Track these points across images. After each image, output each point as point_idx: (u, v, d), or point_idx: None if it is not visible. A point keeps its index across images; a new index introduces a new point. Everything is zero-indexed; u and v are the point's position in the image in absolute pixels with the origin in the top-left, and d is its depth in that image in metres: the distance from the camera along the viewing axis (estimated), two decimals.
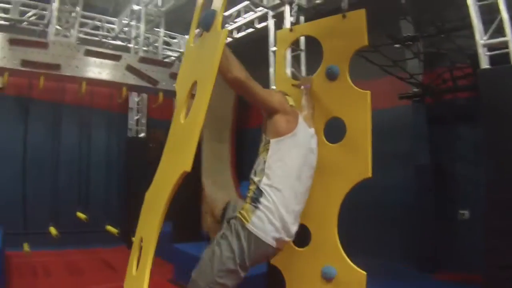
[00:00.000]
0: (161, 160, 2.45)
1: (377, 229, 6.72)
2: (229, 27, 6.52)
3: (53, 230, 6.00)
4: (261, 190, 2.21)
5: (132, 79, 5.46)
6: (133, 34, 6.69)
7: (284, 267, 3.20)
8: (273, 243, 2.14)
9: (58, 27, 5.50)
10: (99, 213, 7.02)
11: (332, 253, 2.95)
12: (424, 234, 5.86)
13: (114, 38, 7.23)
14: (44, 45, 5.02)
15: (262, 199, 2.17)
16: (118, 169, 8.42)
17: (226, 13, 6.54)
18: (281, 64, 3.81)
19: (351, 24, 3.23)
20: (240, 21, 6.33)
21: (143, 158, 8.23)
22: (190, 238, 6.32)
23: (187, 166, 1.88)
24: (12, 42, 4.83)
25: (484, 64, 4.03)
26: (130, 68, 5.31)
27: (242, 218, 2.15)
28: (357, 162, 3.04)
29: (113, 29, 7.31)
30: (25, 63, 4.84)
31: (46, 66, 4.96)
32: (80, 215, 6.63)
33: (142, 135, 8.52)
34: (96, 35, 7.21)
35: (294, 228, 2.30)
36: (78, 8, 5.74)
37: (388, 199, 6.52)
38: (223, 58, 2.02)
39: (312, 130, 2.62)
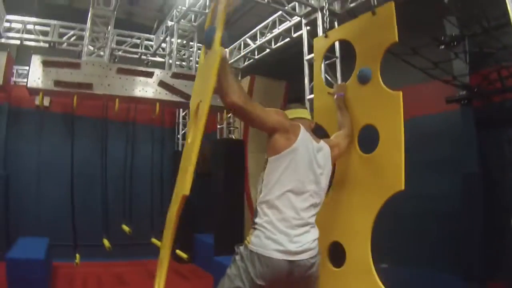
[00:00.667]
0: (176, 179, 2.41)
1: (422, 239, 6.36)
2: (265, 38, 6.45)
3: (106, 243, 6.21)
4: (257, 210, 2.24)
5: (164, 95, 5.49)
6: (168, 50, 6.71)
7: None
8: (278, 256, 2.08)
9: (91, 47, 5.51)
10: (145, 225, 7.18)
11: (366, 276, 2.77)
12: (472, 244, 5.46)
13: (153, 55, 7.30)
14: (76, 65, 5.20)
15: (257, 220, 2.20)
16: (165, 183, 8.38)
17: (262, 24, 6.47)
18: (318, 74, 3.74)
19: (380, 20, 3.09)
20: (275, 31, 6.26)
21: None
22: (232, 251, 6.12)
23: (186, 191, 1.90)
24: (46, 63, 5.06)
25: None
26: (162, 84, 5.36)
27: (245, 242, 2.20)
28: (389, 173, 2.84)
29: (152, 46, 7.37)
30: (57, 83, 5.04)
31: (78, 86, 5.12)
32: (125, 227, 6.85)
33: None
34: (136, 53, 7.27)
35: (305, 239, 2.20)
36: (110, 27, 5.78)
37: (434, 209, 6.16)
38: (222, 80, 1.96)
39: (321, 144, 2.46)
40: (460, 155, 5.88)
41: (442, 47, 5.36)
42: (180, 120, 8.81)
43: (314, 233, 2.28)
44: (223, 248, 6.54)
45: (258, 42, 6.61)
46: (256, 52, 7.06)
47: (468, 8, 5.24)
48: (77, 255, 5.79)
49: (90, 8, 5.65)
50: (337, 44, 4.54)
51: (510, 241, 5.18)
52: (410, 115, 6.76)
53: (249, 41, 6.92)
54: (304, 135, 2.32)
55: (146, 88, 5.46)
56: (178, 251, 7.03)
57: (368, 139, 3.16)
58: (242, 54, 7.21)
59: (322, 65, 4.53)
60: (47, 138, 7.90)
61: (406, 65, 5.09)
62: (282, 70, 7.31)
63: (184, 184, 1.91)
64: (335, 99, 3.19)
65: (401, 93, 2.90)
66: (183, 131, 8.80)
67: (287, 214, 2.15)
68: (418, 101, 6.77)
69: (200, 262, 7.33)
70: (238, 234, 6.82)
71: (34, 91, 5.24)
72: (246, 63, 7.57)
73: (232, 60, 7.54)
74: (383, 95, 2.97)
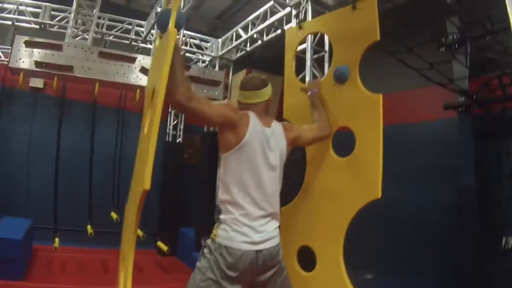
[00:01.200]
0: (134, 171, 2.37)
1: (408, 249, 6.18)
2: (256, 28, 6.22)
3: (89, 229, 6.16)
4: (220, 208, 2.27)
5: (146, 81, 5.31)
6: (155, 36, 6.54)
7: None
8: (245, 247, 2.14)
9: (75, 29, 5.45)
10: None
11: (336, 281, 2.64)
12: (463, 260, 5.23)
13: (144, 41, 7.13)
14: (58, 47, 5.13)
15: (222, 216, 2.24)
16: (154, 173, 8.38)
17: (253, 15, 6.23)
18: (290, 67, 3.47)
19: (361, 16, 2.87)
20: (265, 23, 5.99)
21: (179, 162, 8.51)
22: None
23: (146, 185, 1.82)
24: (28, 44, 5.01)
25: None
26: (144, 70, 5.18)
27: (212, 236, 2.21)
28: (365, 180, 2.66)
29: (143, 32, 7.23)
30: (38, 64, 4.98)
31: (58, 68, 5.06)
32: (113, 215, 6.82)
33: (179, 140, 8.75)
34: (127, 39, 7.13)
35: (268, 228, 2.26)
36: (95, 11, 5.69)
37: (424, 219, 5.99)
38: (171, 74, 1.83)
39: (273, 126, 2.40)
40: (456, 166, 5.62)
41: (443, 49, 5.11)
42: (172, 110, 8.81)
43: (276, 221, 2.34)
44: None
45: (249, 33, 6.38)
46: (248, 44, 6.85)
47: (471, 9, 4.97)
48: (56, 239, 5.69)
49: None
50: (326, 37, 4.32)
51: (502, 260, 4.94)
52: (406, 120, 6.64)
53: (241, 31, 6.70)
54: (254, 124, 2.27)
55: (127, 74, 5.33)
56: (158, 243, 6.99)
57: (343, 141, 2.97)
58: (233, 44, 7.00)
59: (308, 58, 4.37)
60: (39, 120, 7.85)
61: (407, 69, 4.83)
62: (279, 65, 7.14)
63: (144, 177, 1.82)
64: (309, 96, 2.99)
65: (381, 96, 2.72)
66: (175, 122, 8.82)
67: (250, 209, 2.20)
68: (417, 107, 6.53)
69: (181, 256, 7.25)
70: None
71: (15, 71, 5.19)
72: (238, 55, 7.37)
73: (224, 51, 7.37)
74: (362, 97, 2.78)
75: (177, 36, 1.90)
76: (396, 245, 6.42)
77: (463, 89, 5.09)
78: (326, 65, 4.37)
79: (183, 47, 7.32)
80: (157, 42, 2.65)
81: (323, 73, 4.33)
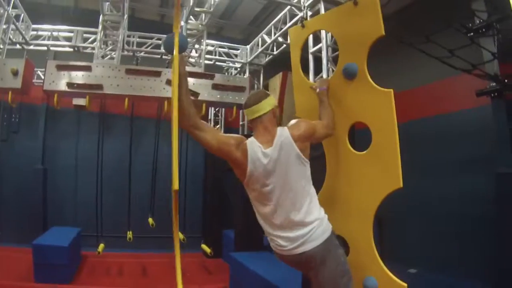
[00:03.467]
0: None
1: (450, 244, 6.05)
2: (278, 32, 6.32)
3: (128, 234, 6.66)
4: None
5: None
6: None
7: None
8: (274, 248, 2.51)
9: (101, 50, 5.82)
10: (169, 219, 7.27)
11: (371, 264, 2.68)
12: (504, 251, 4.96)
13: None
14: (87, 68, 5.50)
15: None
16: (196, 179, 8.85)
17: (275, 20, 6.32)
18: (296, 66, 3.46)
19: (363, 11, 2.85)
20: (286, 26, 6.00)
21: (222, 167, 8.21)
22: (251, 247, 6.34)
23: (175, 185, 1.95)
24: (59, 67, 5.44)
25: None
26: (169, 82, 5.37)
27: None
28: (386, 171, 2.66)
29: None
30: (69, 85, 5.39)
31: (89, 87, 5.43)
32: (150, 220, 7.20)
33: None
34: (158, 53, 7.38)
35: (281, 239, 2.42)
36: (120, 31, 6.03)
37: (464, 211, 5.84)
38: (178, 101, 2.09)
39: (276, 142, 2.41)
40: (494, 153, 5.42)
41: (471, 34, 4.93)
42: (212, 117, 9.08)
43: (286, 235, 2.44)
44: (242, 244, 6.72)
45: (273, 37, 6.47)
46: (274, 48, 6.94)
47: None
48: (101, 245, 6.15)
49: (101, 15, 5.97)
50: None
51: None
52: (438, 111, 6.44)
53: (265, 37, 6.78)
54: (251, 152, 2.34)
55: (154, 87, 5.56)
56: (202, 246, 7.36)
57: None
58: (259, 50, 7.11)
59: (324, 57, 4.37)
60: (84, 135, 8.39)
61: (430, 59, 4.72)
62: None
63: (173, 179, 1.96)
64: (318, 93, 3.00)
65: (392, 91, 2.69)
66: (217, 127, 8.94)
67: (260, 219, 2.55)
68: (450, 96, 6.34)
69: (226, 257, 7.37)
70: (255, 230, 6.73)
71: (49, 93, 5.60)
72: (267, 59, 7.48)
73: (252, 57, 7.48)
74: (373, 92, 2.77)
75: (186, 57, 2.10)
76: (438, 240, 6.28)
77: (491, 74, 4.88)
78: None
79: (213, 56, 7.60)
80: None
81: None
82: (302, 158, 2.42)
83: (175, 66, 2.09)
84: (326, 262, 2.36)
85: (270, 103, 2.49)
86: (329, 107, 2.88)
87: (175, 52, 2.10)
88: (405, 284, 2.44)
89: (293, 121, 2.60)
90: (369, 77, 2.81)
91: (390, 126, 2.64)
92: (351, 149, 2.95)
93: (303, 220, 2.37)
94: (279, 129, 2.46)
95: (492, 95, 5.23)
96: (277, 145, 2.38)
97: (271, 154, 2.36)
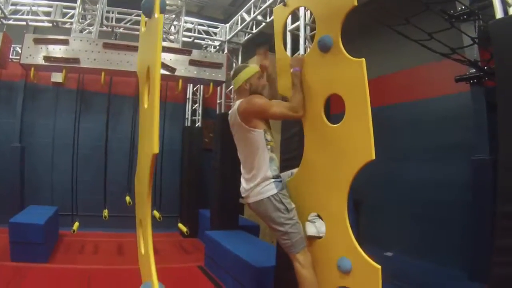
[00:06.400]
0: (139, 147, 2.72)
1: (426, 229, 6.11)
2: (257, 11, 6.23)
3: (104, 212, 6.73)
4: None
5: None
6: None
7: None
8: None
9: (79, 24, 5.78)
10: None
11: (346, 244, 2.67)
12: (479, 238, 5.01)
13: None
14: (65, 42, 5.48)
15: None
16: (172, 159, 8.85)
17: None
18: (279, 46, 3.51)
19: None
20: (266, 3, 5.93)
21: (199, 146, 8.73)
22: (227, 226, 6.45)
23: (155, 149, 2.15)
24: (36, 41, 5.40)
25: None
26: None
27: None
28: (358, 143, 2.64)
29: None
30: (46, 58, 5.34)
31: (66, 60, 5.40)
32: (127, 199, 7.21)
33: (198, 124, 8.98)
34: (137, 30, 7.21)
35: (241, 186, 2.99)
36: (98, 6, 6.02)
37: (440, 197, 5.87)
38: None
39: (232, 108, 3.00)
40: (470, 140, 5.47)
41: (453, 20, 4.94)
42: (191, 96, 9.08)
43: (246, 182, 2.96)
44: (218, 223, 6.74)
45: (252, 15, 6.38)
46: (254, 27, 6.86)
47: None
48: (76, 223, 6.15)
49: None
50: None
51: None
52: (417, 97, 6.46)
53: (245, 15, 6.71)
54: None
55: (131, 62, 5.53)
56: (179, 225, 7.48)
57: None
58: (238, 28, 7.03)
59: (302, 35, 4.34)
60: (62, 113, 8.25)
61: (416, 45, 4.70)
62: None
63: (152, 143, 2.12)
64: (291, 73, 2.99)
65: (363, 60, 2.65)
66: (194, 107, 9.07)
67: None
68: (429, 82, 6.36)
69: (202, 236, 7.35)
70: (230, 209, 6.86)
71: (26, 67, 5.52)
72: (246, 37, 7.40)
73: (231, 35, 7.44)
74: (346, 62, 2.74)
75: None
76: (414, 225, 6.36)
77: (471, 60, 4.89)
78: None
79: (191, 33, 7.54)
80: (142, 24, 3.05)
81: None
82: (244, 127, 2.84)
83: (159, 27, 2.23)
84: (266, 219, 2.88)
85: (242, 77, 2.96)
86: (300, 91, 2.94)
87: (157, 14, 2.28)
88: (379, 266, 2.43)
89: (250, 97, 2.89)
90: (342, 48, 2.79)
91: (362, 96, 2.60)
92: (327, 122, 2.95)
93: (249, 178, 2.89)
94: (238, 101, 2.93)
95: (471, 81, 5.28)
96: (232, 112, 2.95)
97: (229, 117, 3.00)
